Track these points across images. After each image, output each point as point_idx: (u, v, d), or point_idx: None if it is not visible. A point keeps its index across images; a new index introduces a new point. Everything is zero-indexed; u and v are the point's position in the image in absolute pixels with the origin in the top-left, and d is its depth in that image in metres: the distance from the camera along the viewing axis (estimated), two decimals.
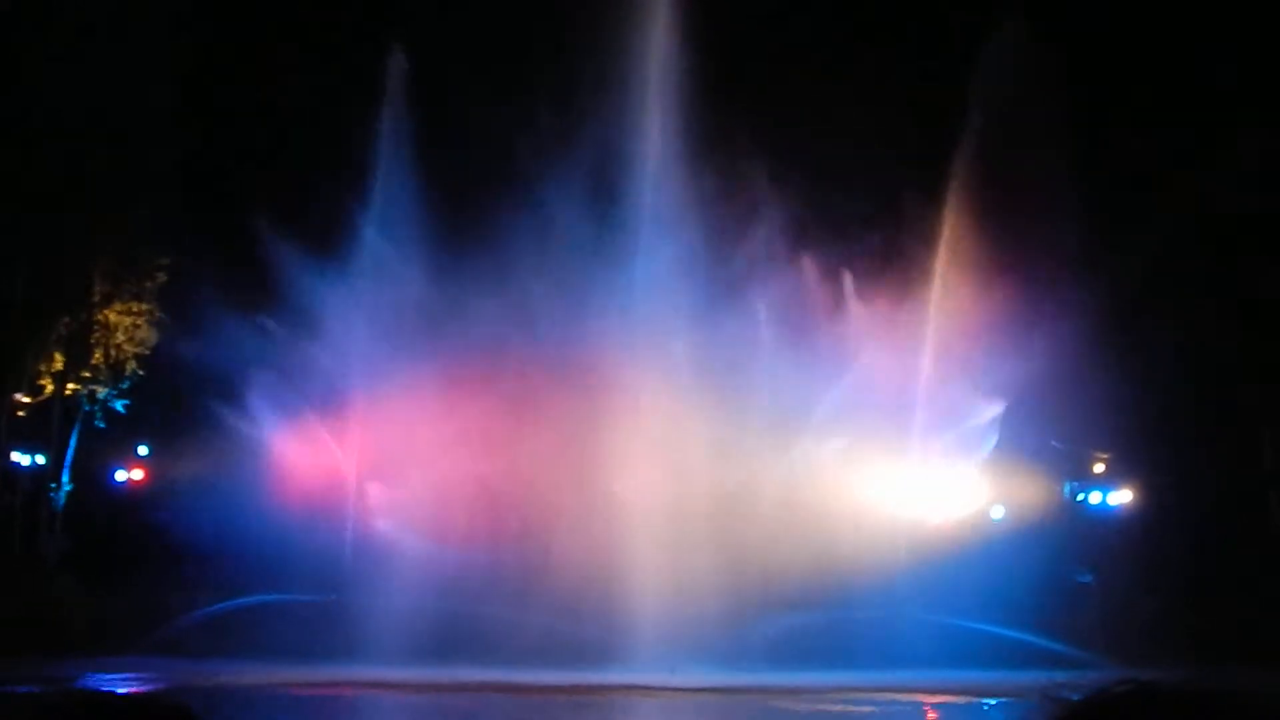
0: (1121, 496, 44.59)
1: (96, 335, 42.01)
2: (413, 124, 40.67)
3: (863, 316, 40.52)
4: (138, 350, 42.26)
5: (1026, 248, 38.73)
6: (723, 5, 39.08)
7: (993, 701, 31.47)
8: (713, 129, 38.31)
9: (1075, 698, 2.27)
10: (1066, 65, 39.65)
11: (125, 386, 42.69)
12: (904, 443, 41.30)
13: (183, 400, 41.18)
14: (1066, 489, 44.42)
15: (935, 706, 31.78)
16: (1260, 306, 39.37)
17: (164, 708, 1.92)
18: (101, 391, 42.58)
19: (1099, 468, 45.10)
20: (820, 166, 39.67)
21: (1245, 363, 39.35)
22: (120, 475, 45.20)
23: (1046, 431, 41.89)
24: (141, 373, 42.41)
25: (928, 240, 41.16)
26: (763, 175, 39.09)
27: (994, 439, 41.33)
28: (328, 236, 40.48)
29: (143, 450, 45.27)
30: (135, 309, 42.15)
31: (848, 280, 40.20)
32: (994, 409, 40.77)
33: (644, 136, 39.53)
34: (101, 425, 43.35)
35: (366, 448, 41.45)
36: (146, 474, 44.99)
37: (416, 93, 41.01)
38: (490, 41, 40.43)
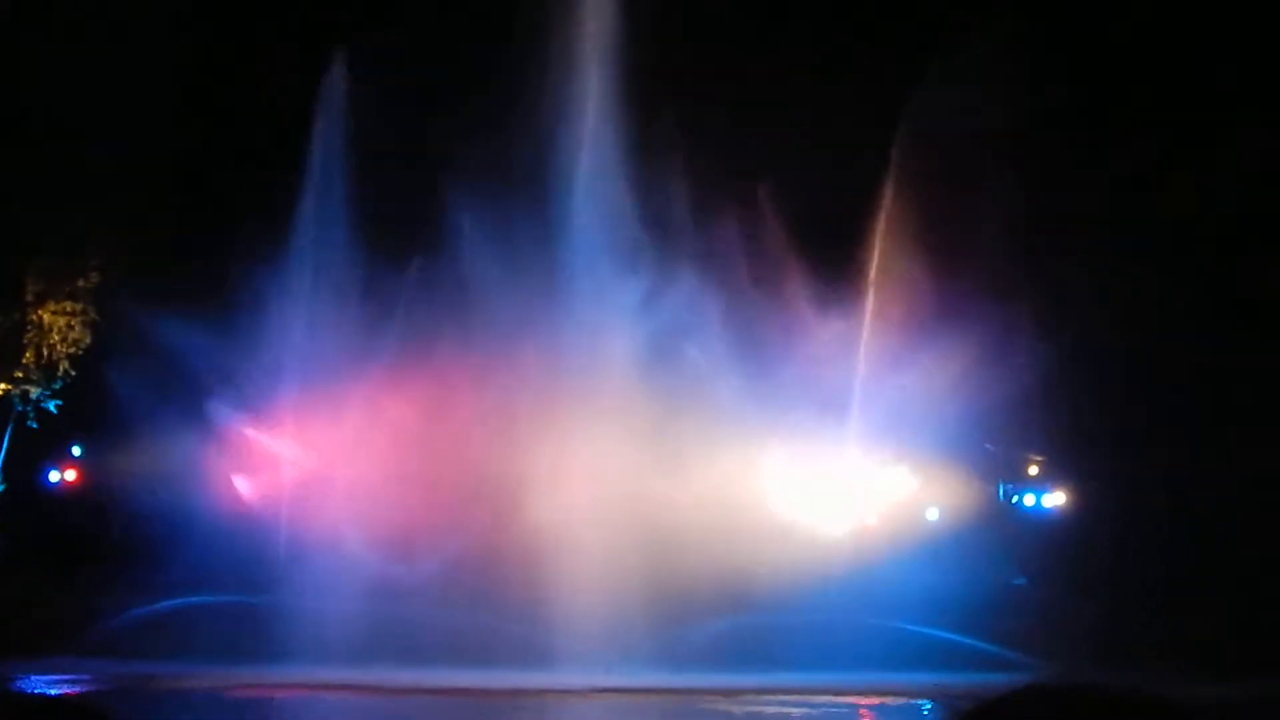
0: (1055, 499, 44.62)
1: (29, 335, 41.52)
2: (358, 131, 40.20)
3: (800, 326, 40.57)
4: (71, 350, 41.83)
5: (961, 260, 38.66)
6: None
7: (927, 705, 31.62)
8: (656, 139, 38.39)
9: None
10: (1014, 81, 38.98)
11: (58, 386, 42.26)
12: (840, 447, 41.10)
13: (118, 401, 40.34)
14: (1000, 491, 44.51)
15: (868, 708, 31.85)
16: (1198, 308, 39.30)
17: (75, 710, 2.00)
18: (34, 391, 42.18)
19: (1033, 470, 45.20)
20: (766, 176, 39.76)
21: (1184, 365, 39.21)
22: (54, 475, 44.57)
23: (980, 434, 41.82)
24: (74, 373, 41.93)
25: (865, 252, 40.98)
26: (701, 190, 38.95)
27: (928, 442, 40.97)
28: (274, 239, 40.08)
29: (76, 451, 44.62)
30: (69, 309, 41.72)
31: (786, 290, 40.22)
32: (928, 413, 40.28)
33: (583, 145, 39.35)
34: (34, 425, 42.81)
35: (302, 450, 41.05)
36: (80, 474, 44.39)
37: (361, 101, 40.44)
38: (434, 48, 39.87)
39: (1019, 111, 39.20)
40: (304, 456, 41.09)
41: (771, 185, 39.99)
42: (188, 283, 38.65)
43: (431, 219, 39.39)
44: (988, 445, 42.61)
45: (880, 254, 40.90)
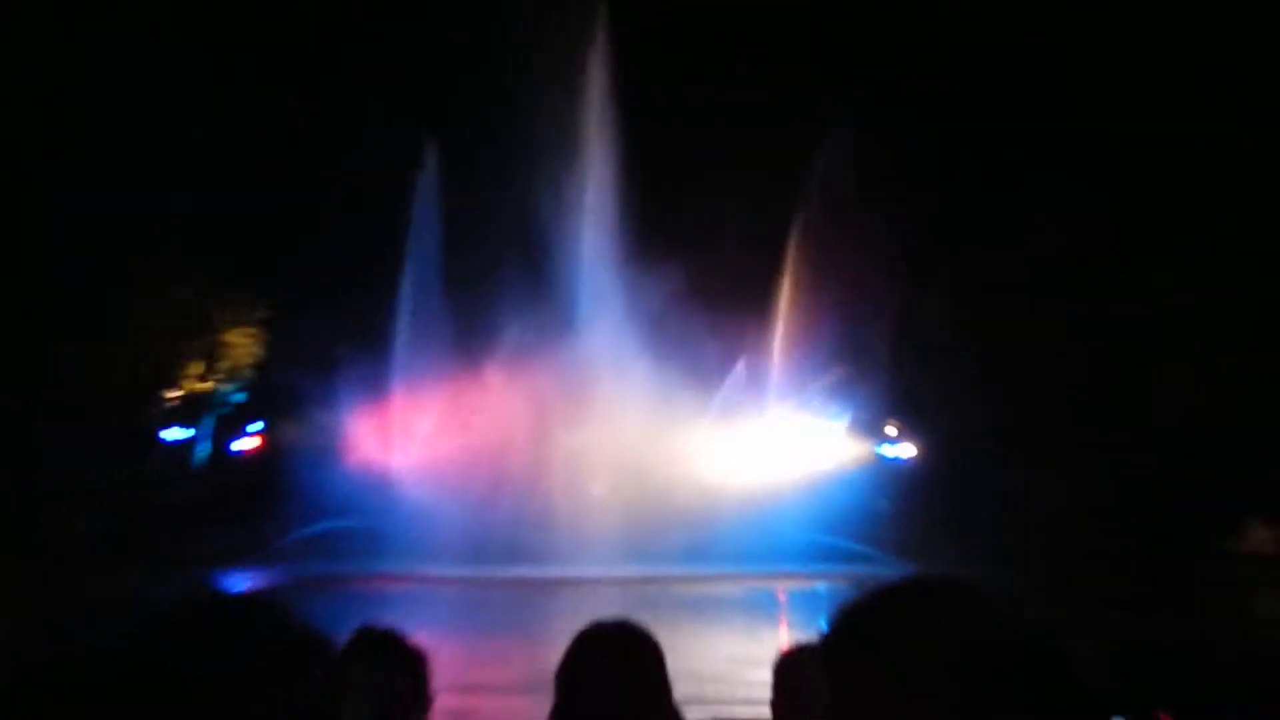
0: (906, 450, 45.53)
1: (221, 351, 42.34)
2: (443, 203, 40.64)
3: (738, 328, 40.62)
4: (250, 361, 42.81)
5: (848, 281, 38.78)
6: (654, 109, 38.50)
7: (822, 586, 31.66)
8: (639, 203, 38.51)
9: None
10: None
11: (243, 384, 43.34)
12: (770, 416, 42.17)
13: (283, 392, 41.22)
14: (873, 446, 44.89)
15: (785, 591, 31.94)
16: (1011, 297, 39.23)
17: (258, 604, 1.53)
18: (227, 389, 43.22)
19: (892, 431, 45.96)
20: (712, 211, 39.55)
21: (1001, 373, 39.44)
22: (238, 445, 45.71)
23: (860, 405, 42.36)
24: (254, 375, 42.99)
25: (777, 273, 41.72)
26: (672, 234, 38.64)
27: (828, 411, 42.15)
28: (381, 281, 40.90)
29: (256, 427, 45.70)
30: (248, 333, 42.55)
31: (732, 301, 39.86)
32: (826, 392, 41.66)
33: (588, 207, 39.75)
34: (226, 411, 43.98)
35: (407, 424, 41.73)
36: (261, 443, 45.47)
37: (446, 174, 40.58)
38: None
39: (897, 184, 38.29)
40: (409, 431, 41.76)
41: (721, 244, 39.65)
42: (329, 316, 38.96)
43: (493, 273, 39.12)
44: (864, 415, 42.94)
45: (787, 300, 41.64)
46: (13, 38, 33.08)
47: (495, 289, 39.18)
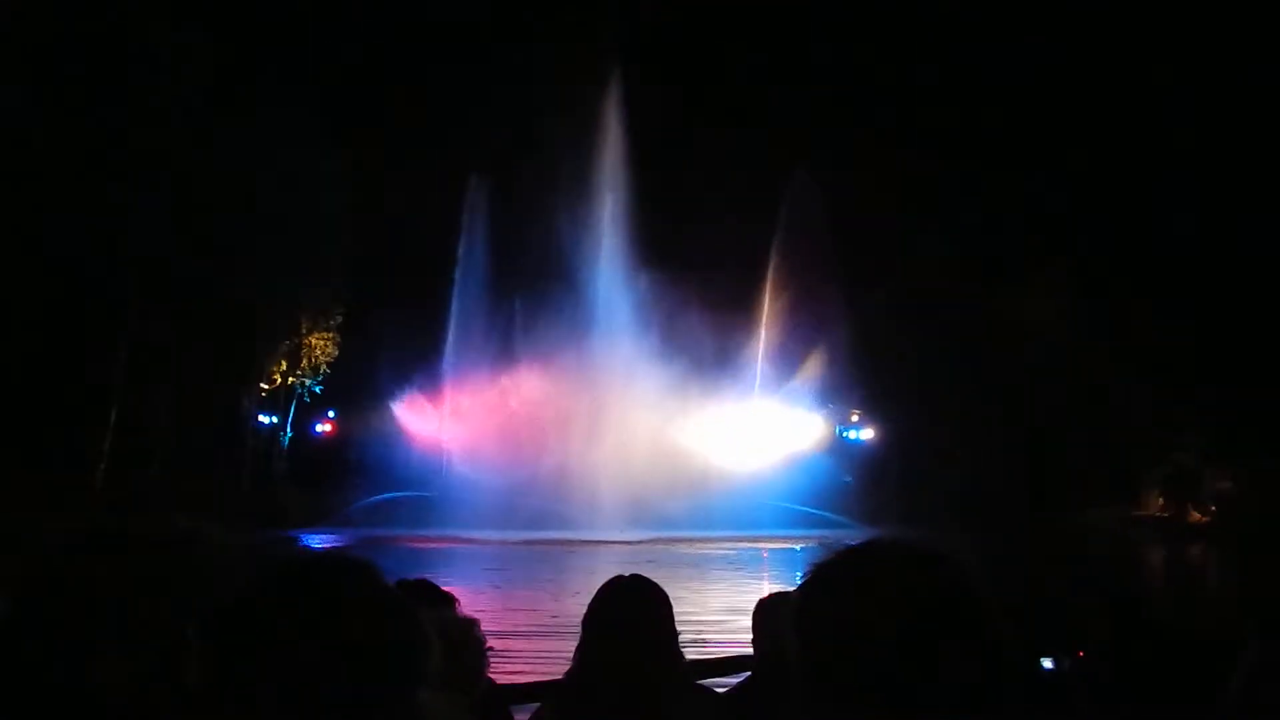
0: (867, 434, 45.32)
1: (304, 351, 42.07)
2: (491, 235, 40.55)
3: (731, 332, 40.64)
4: (328, 359, 42.46)
5: (818, 295, 39.02)
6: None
7: (798, 547, 31.15)
8: (656, 246, 38.34)
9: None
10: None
11: (320, 378, 42.98)
12: (755, 406, 41.87)
13: (357, 386, 41.39)
14: (838, 430, 44.91)
15: (768, 551, 31.55)
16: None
17: (354, 561, 1.55)
18: (308, 381, 42.91)
19: (854, 418, 45.80)
20: (711, 235, 38.80)
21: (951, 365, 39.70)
22: (319, 429, 45.70)
23: (828, 397, 42.40)
24: (329, 370, 42.68)
25: (760, 298, 41.76)
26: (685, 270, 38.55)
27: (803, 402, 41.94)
28: (437, 293, 41.07)
29: (331, 414, 45.68)
30: (325, 336, 42.21)
31: (727, 321, 40.12)
32: (802, 386, 41.47)
33: (608, 245, 39.60)
34: (307, 400, 43.84)
35: (456, 412, 41.51)
36: (334, 428, 45.49)
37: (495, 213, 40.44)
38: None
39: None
40: (458, 418, 41.54)
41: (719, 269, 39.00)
42: (394, 322, 38.89)
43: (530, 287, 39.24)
44: (830, 404, 43.04)
45: (769, 310, 41.50)
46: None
47: (531, 300, 39.15)
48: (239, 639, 1.52)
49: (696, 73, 43.61)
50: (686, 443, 39.21)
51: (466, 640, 3.20)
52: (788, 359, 40.87)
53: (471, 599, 3.79)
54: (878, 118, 41.56)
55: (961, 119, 41.26)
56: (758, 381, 41.86)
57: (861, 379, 39.80)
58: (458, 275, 41.37)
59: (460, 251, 41.39)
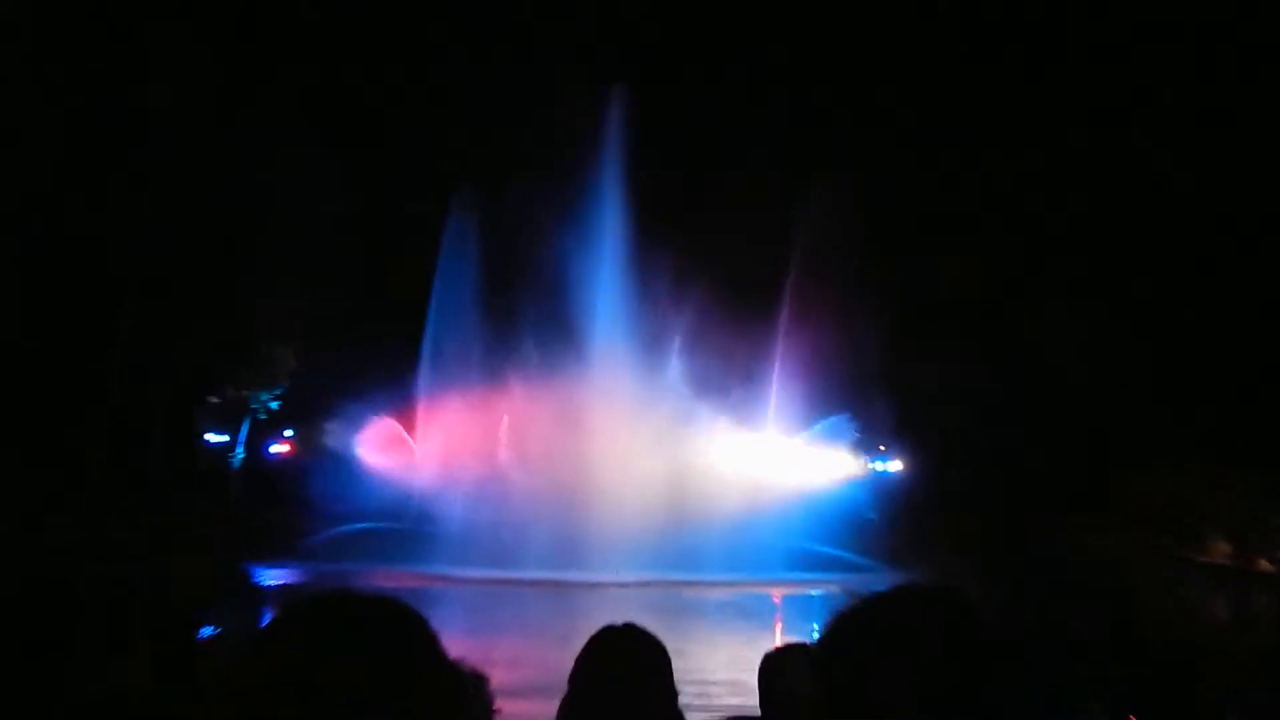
0: (894, 466, 45.61)
1: (261, 360, 42.26)
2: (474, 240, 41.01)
3: (742, 357, 40.91)
4: (287, 371, 42.86)
5: (839, 324, 39.22)
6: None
7: (814, 592, 31.65)
8: (656, 253, 38.53)
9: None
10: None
11: (279, 393, 43.10)
12: (769, 433, 42.16)
13: (316, 401, 41.56)
14: (863, 462, 45.05)
15: (782, 597, 32.13)
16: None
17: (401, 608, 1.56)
18: (264, 395, 43.08)
19: (882, 448, 46.16)
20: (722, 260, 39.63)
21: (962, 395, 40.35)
22: (274, 449, 45.75)
23: (853, 424, 42.56)
24: (289, 384, 42.89)
25: (776, 307, 41.93)
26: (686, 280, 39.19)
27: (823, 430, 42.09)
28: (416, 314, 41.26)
29: (289, 433, 45.79)
30: (285, 344, 42.48)
31: (739, 343, 40.14)
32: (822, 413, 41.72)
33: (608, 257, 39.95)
34: (262, 417, 43.78)
35: (434, 436, 41.65)
36: (292, 449, 45.59)
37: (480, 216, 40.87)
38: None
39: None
40: (436, 442, 41.45)
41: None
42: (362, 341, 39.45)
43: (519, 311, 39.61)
44: (855, 432, 43.00)
45: (784, 332, 41.64)
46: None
47: (521, 317, 39.57)
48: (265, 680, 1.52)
49: (704, 77, 44.90)
50: (691, 475, 39.29)
51: (474, 701, 3.24)
52: (805, 385, 40.95)
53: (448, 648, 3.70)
54: (897, 120, 42.95)
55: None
56: (772, 409, 42.05)
57: (889, 405, 40.22)
58: (436, 285, 41.69)
59: (440, 262, 41.71)
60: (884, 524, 40.57)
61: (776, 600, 31.70)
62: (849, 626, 1.55)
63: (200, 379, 40.55)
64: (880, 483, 44.64)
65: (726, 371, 40.19)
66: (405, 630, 1.65)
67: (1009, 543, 35.85)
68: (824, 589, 31.49)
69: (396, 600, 1.70)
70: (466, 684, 1.69)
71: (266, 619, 1.60)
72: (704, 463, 40.27)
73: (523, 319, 39.39)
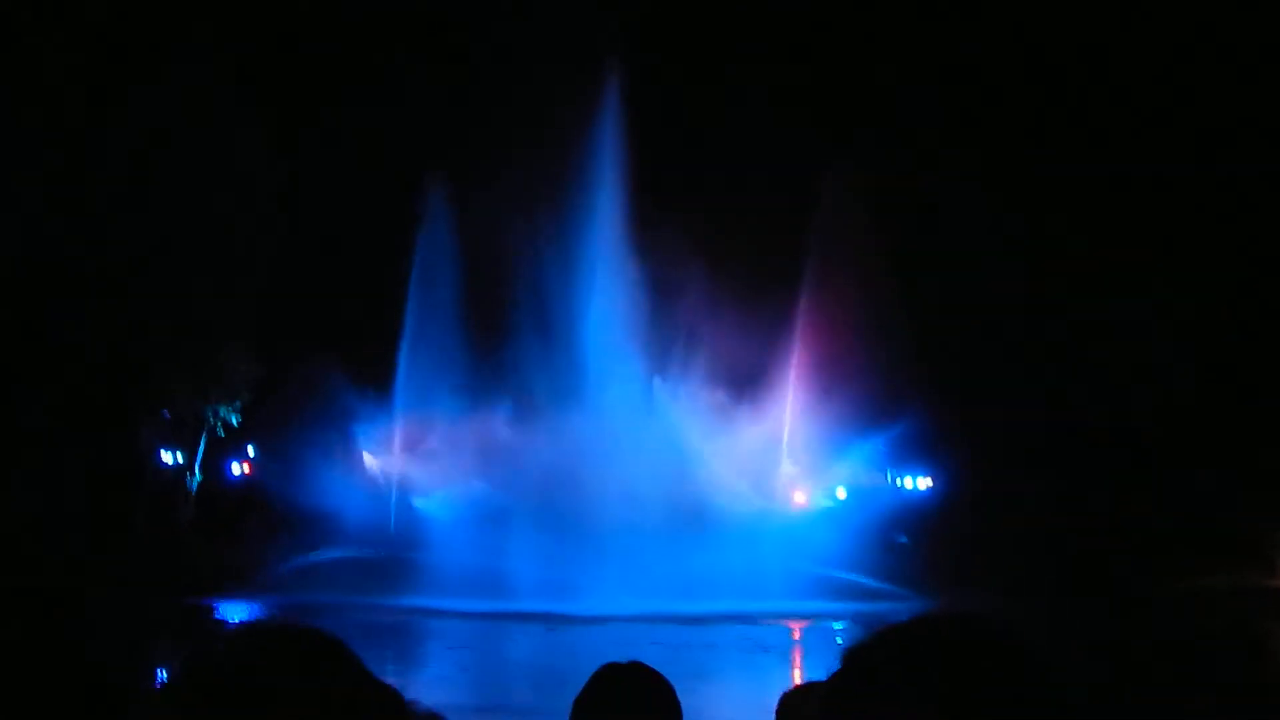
0: (925, 482, 45.36)
1: (219, 367, 41.71)
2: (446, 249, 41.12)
3: (749, 374, 41.40)
4: (248, 383, 42.49)
5: (855, 338, 39.55)
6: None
7: (837, 624, 31.74)
8: (655, 257, 39.06)
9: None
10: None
11: (238, 406, 42.81)
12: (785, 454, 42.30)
13: (283, 417, 41.39)
14: (887, 475, 44.98)
15: (800, 628, 32.07)
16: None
17: (324, 639, 1.55)
18: (222, 410, 42.70)
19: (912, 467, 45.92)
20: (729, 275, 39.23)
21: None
22: (235, 469, 45.60)
23: (875, 438, 42.74)
24: (249, 397, 42.60)
25: (789, 341, 42.03)
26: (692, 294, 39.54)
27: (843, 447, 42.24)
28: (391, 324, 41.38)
29: (251, 451, 45.61)
30: (247, 349, 42.00)
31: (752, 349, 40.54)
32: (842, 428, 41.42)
33: (605, 256, 40.15)
34: (221, 434, 43.44)
35: (412, 458, 41.86)
36: (253, 469, 45.38)
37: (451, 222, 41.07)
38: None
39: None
40: (407, 470, 41.68)
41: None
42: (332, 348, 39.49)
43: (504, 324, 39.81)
44: (881, 446, 43.16)
45: (800, 352, 41.96)
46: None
47: (507, 324, 39.82)
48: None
49: (706, 58, 45.18)
50: (701, 496, 39.39)
51: None
52: (825, 395, 40.99)
53: (430, 690, 3.80)
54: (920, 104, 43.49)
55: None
56: (788, 423, 42.07)
57: (919, 417, 40.17)
58: (413, 285, 41.90)
59: (416, 262, 41.99)
60: (917, 548, 40.65)
61: (795, 632, 31.75)
62: (868, 661, 1.53)
63: (135, 383, 40.26)
64: (910, 500, 44.63)
65: (737, 382, 40.51)
66: (326, 667, 1.62)
67: (1089, 576, 35.87)
68: (845, 619, 31.72)
69: (319, 632, 1.68)
70: None
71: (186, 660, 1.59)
72: (714, 481, 40.30)
73: (510, 325, 39.58)
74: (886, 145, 41.41)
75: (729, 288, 38.65)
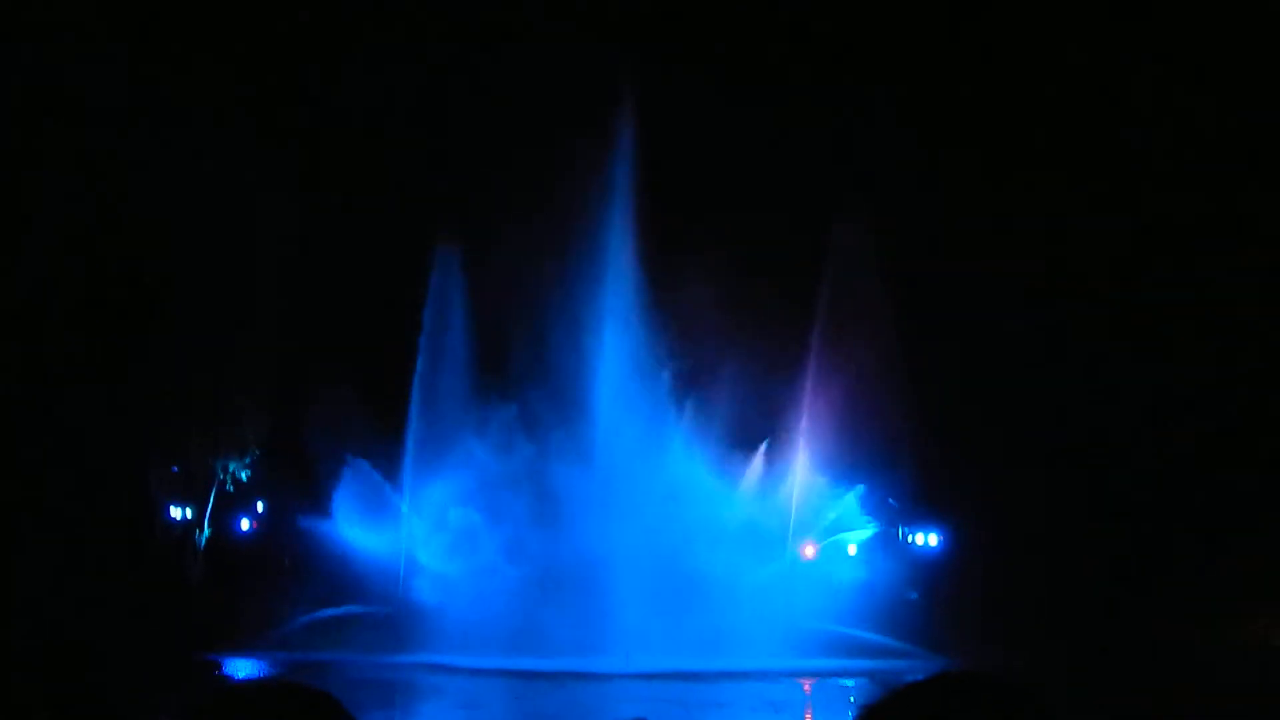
0: (933, 539, 44.62)
1: (229, 420, 41.74)
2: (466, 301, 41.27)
3: (759, 425, 40.97)
4: (258, 438, 42.48)
5: (867, 392, 39.02)
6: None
7: (849, 682, 31.76)
8: (668, 290, 39.09)
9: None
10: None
11: (248, 461, 42.76)
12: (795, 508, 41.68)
13: (292, 472, 41.49)
14: (898, 531, 44.54)
15: (811, 686, 32.15)
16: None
17: (314, 694, 1.58)
18: (232, 465, 42.54)
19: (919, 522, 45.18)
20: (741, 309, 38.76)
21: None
22: (244, 525, 45.36)
23: (885, 496, 42.50)
24: (259, 452, 42.68)
25: (798, 386, 41.68)
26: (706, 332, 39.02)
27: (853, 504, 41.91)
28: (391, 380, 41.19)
29: (260, 506, 45.16)
30: (257, 402, 42.12)
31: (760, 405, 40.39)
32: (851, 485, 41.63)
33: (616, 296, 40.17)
34: (230, 489, 43.14)
35: (422, 512, 41.26)
36: (261, 524, 45.06)
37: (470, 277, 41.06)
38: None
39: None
40: (421, 524, 41.26)
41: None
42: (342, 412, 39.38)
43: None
44: (890, 501, 42.75)
45: (808, 398, 41.48)
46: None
47: (518, 387, 39.81)
48: None
49: (719, 106, 44.49)
50: (711, 551, 38.98)
51: None
52: (835, 451, 40.82)
53: None
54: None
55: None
56: (798, 478, 41.89)
57: (928, 471, 40.24)
58: (423, 343, 41.77)
59: (426, 319, 41.94)
60: (928, 604, 40.35)
61: (807, 690, 31.68)
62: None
63: (148, 438, 40.37)
64: (920, 557, 44.37)
65: (747, 436, 40.26)
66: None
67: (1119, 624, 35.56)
68: (857, 677, 31.65)
69: (316, 691, 1.71)
70: None
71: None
72: (723, 536, 39.89)
73: (519, 381, 39.56)
74: (904, 192, 41.47)
75: (740, 339, 38.48)
